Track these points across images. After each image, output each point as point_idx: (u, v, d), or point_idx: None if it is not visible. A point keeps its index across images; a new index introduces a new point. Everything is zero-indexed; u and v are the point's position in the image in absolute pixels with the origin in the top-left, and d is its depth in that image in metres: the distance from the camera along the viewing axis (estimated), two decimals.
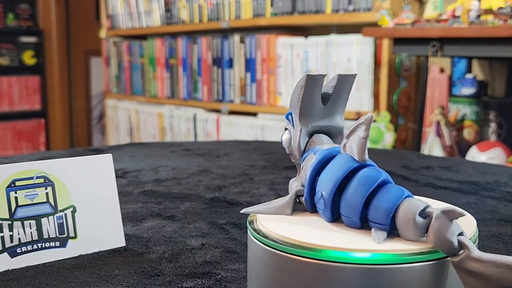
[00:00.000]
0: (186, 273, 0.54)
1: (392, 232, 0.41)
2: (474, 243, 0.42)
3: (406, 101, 2.25)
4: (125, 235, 0.63)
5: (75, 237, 0.58)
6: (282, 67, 2.54)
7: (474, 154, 1.84)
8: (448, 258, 0.39)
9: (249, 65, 2.70)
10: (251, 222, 0.46)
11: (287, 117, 0.50)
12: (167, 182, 0.94)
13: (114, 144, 2.63)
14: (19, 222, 0.55)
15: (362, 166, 0.43)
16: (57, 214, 0.57)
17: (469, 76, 2.04)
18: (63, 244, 0.58)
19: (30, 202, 0.56)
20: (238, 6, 2.71)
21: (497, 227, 0.70)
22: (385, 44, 2.16)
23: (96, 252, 0.59)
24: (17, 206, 0.56)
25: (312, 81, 0.47)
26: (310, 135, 0.49)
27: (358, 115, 2.09)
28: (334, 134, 0.49)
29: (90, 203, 0.59)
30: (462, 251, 0.37)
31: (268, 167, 1.08)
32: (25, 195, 0.56)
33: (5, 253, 0.55)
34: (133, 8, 3.43)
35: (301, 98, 0.48)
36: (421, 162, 1.16)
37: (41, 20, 4.36)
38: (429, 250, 0.39)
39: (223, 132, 2.83)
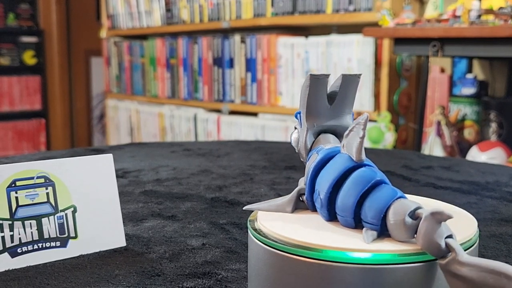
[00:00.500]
0: (187, 273, 0.54)
1: (384, 232, 0.41)
2: (475, 243, 0.42)
3: (406, 101, 2.25)
4: (126, 235, 0.63)
5: (75, 237, 0.58)
6: (283, 67, 2.54)
7: (475, 154, 1.84)
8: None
9: (250, 65, 2.70)
10: (252, 222, 0.46)
11: (296, 116, 0.50)
12: (167, 182, 0.94)
13: (115, 144, 2.63)
14: (20, 222, 0.56)
15: (358, 166, 0.43)
16: (58, 214, 0.57)
17: (469, 76, 2.04)
18: (63, 244, 0.58)
19: (30, 202, 0.56)
20: (238, 6, 2.71)
21: (498, 227, 0.70)
22: (386, 44, 2.16)
23: (96, 252, 0.59)
24: (18, 206, 0.56)
25: (315, 81, 0.47)
26: (317, 134, 0.49)
27: (359, 115, 2.09)
28: (341, 134, 0.49)
29: (90, 203, 0.59)
30: (450, 253, 0.37)
31: (269, 167, 1.08)
32: (26, 195, 0.56)
33: (6, 253, 0.55)
34: (133, 8, 3.43)
35: (306, 97, 0.48)
36: (422, 162, 1.16)
37: (41, 20, 4.36)
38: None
39: (223, 132, 2.83)
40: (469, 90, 2.02)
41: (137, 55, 3.43)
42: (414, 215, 0.39)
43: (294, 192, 0.48)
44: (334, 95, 0.49)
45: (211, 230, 0.68)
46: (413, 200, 0.49)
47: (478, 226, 0.45)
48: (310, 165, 0.47)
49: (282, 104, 2.57)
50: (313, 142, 0.49)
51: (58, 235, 0.57)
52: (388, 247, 0.39)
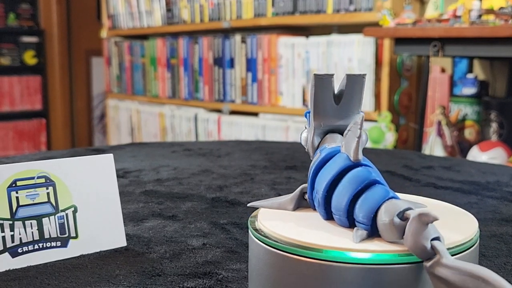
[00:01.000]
0: (187, 273, 0.54)
1: (375, 232, 0.41)
2: (475, 243, 0.42)
3: (407, 101, 2.25)
4: (126, 235, 0.63)
5: (76, 237, 0.58)
6: (283, 67, 2.54)
7: (475, 154, 1.84)
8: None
9: (250, 65, 2.70)
10: (252, 222, 0.46)
11: (305, 116, 0.50)
12: (168, 182, 0.94)
13: (115, 144, 2.63)
14: (20, 222, 0.56)
15: (354, 165, 0.43)
16: (58, 214, 0.57)
17: (470, 76, 2.04)
18: (64, 244, 0.58)
19: (31, 202, 0.56)
20: (239, 6, 2.71)
21: (498, 227, 0.70)
22: (386, 44, 2.16)
23: (97, 252, 0.59)
24: (18, 206, 0.56)
25: (320, 80, 0.48)
26: (325, 134, 0.49)
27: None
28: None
29: (91, 203, 0.59)
30: (436, 256, 0.37)
31: (269, 167, 1.08)
32: (26, 195, 0.56)
33: (6, 253, 0.55)
34: (134, 8, 3.43)
35: (313, 97, 0.48)
36: (422, 162, 1.16)
37: (42, 20, 4.36)
38: None
39: (224, 132, 2.83)
40: (470, 90, 2.02)
41: (138, 55, 3.43)
42: (403, 216, 0.39)
43: (297, 191, 0.49)
44: (341, 95, 0.49)
45: (212, 230, 0.68)
46: (412, 200, 0.49)
47: (479, 226, 0.45)
48: (312, 164, 0.47)
49: (282, 104, 2.57)
50: (320, 142, 0.49)
51: (59, 235, 0.57)
52: (388, 247, 0.39)
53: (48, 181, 0.57)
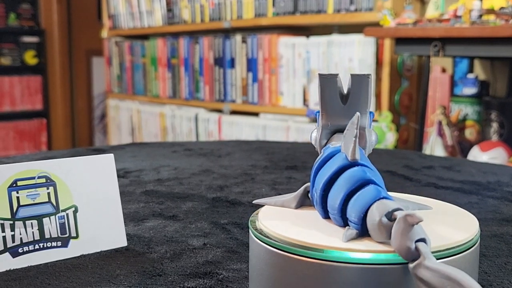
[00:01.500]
0: (188, 273, 0.54)
1: (365, 232, 0.41)
2: (476, 243, 0.42)
3: (408, 101, 2.25)
4: (127, 235, 0.63)
5: (76, 237, 0.58)
6: (284, 67, 2.54)
7: (476, 154, 1.84)
8: (449, 259, 0.39)
9: (251, 65, 2.70)
10: (253, 222, 0.46)
11: (316, 115, 0.51)
12: (168, 182, 0.94)
13: (116, 144, 2.63)
14: (21, 222, 0.56)
15: (351, 165, 0.43)
16: (59, 214, 0.58)
17: (470, 76, 2.04)
18: (64, 244, 0.58)
19: (31, 202, 0.56)
20: (240, 6, 2.71)
21: (499, 227, 0.70)
22: (387, 44, 2.16)
23: (97, 252, 0.59)
24: (19, 206, 0.56)
25: (324, 80, 0.48)
26: (332, 133, 0.49)
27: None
28: None
29: (91, 203, 0.60)
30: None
31: (270, 167, 1.08)
32: (27, 195, 0.56)
33: (7, 253, 0.55)
34: (135, 8, 3.43)
35: (320, 97, 0.48)
36: (423, 162, 1.16)
37: (42, 20, 4.36)
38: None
39: (224, 132, 2.83)
40: (470, 90, 2.01)
41: (138, 55, 3.43)
42: (392, 216, 0.39)
43: (301, 189, 0.49)
44: (348, 95, 0.49)
45: (212, 230, 0.68)
46: (413, 200, 0.49)
47: (479, 226, 0.45)
48: (314, 163, 0.47)
49: (283, 104, 2.57)
50: (327, 141, 0.49)
51: (59, 235, 0.57)
52: (388, 248, 0.39)
53: (48, 181, 0.57)
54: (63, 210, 0.58)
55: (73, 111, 4.59)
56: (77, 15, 4.51)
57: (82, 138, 4.64)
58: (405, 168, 1.08)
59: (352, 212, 0.41)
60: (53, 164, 0.58)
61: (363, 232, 0.41)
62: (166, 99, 3.23)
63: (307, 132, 2.43)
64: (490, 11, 1.67)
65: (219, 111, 2.91)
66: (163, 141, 1.83)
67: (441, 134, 1.99)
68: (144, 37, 3.44)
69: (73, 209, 0.58)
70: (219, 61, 2.87)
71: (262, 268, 0.43)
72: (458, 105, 2.04)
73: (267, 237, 0.43)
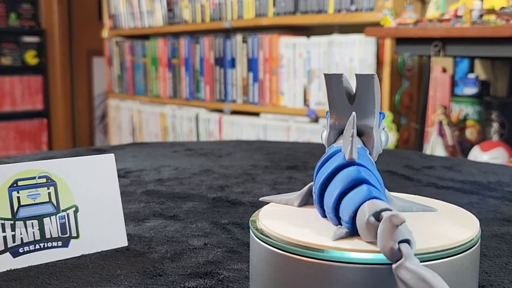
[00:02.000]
0: (189, 273, 0.54)
1: (356, 231, 0.41)
2: (476, 243, 0.42)
3: (408, 101, 2.25)
4: (128, 235, 0.63)
5: (77, 237, 0.58)
6: (285, 67, 2.54)
7: (477, 154, 1.84)
8: (450, 259, 0.39)
9: (252, 65, 2.70)
10: (254, 222, 0.46)
11: (326, 115, 0.51)
12: (169, 182, 0.94)
13: (116, 144, 2.63)
14: (22, 222, 0.56)
15: (348, 164, 0.43)
16: (60, 214, 0.58)
17: (471, 76, 2.04)
18: (65, 244, 0.58)
19: (32, 202, 0.56)
20: (240, 6, 2.71)
21: (500, 227, 0.70)
22: (388, 44, 2.16)
23: (98, 252, 0.59)
24: (20, 206, 0.56)
25: (329, 80, 0.48)
26: (340, 133, 0.49)
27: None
28: (363, 133, 0.49)
29: (92, 203, 0.60)
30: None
31: (271, 167, 1.08)
32: (28, 195, 0.56)
33: (8, 253, 0.55)
34: (135, 8, 3.43)
35: (327, 97, 0.49)
36: (424, 162, 1.16)
37: (43, 20, 4.36)
38: (430, 250, 0.39)
39: (225, 132, 2.83)
40: (471, 90, 2.01)
41: (139, 55, 3.44)
42: (379, 216, 0.39)
43: (305, 187, 0.49)
44: (354, 94, 0.49)
45: (213, 230, 0.68)
46: (413, 200, 0.49)
47: (480, 226, 0.45)
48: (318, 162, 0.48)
49: (283, 104, 2.57)
50: (335, 140, 0.49)
51: (60, 235, 0.57)
52: None
53: (49, 181, 0.57)
54: (64, 210, 0.58)
55: (74, 111, 4.59)
56: (77, 15, 4.51)
57: (83, 138, 4.64)
58: (405, 168, 1.08)
59: (344, 211, 0.42)
60: (54, 164, 0.58)
61: (354, 232, 0.41)
62: (167, 99, 3.23)
63: (307, 132, 2.43)
64: (491, 11, 1.67)
65: (220, 111, 2.91)
66: (163, 141, 1.83)
67: (441, 134, 1.98)
68: (145, 37, 3.44)
69: (74, 209, 0.58)
70: (219, 61, 2.87)
71: (262, 268, 0.43)
72: (459, 105, 2.04)
73: (268, 237, 0.43)
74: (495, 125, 1.92)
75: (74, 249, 0.58)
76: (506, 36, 1.59)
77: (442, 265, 0.39)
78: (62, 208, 0.58)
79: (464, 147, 1.99)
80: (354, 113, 0.43)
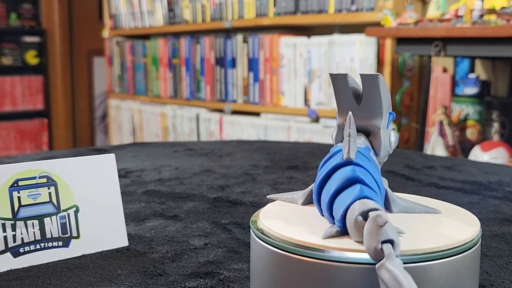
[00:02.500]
0: (189, 273, 0.54)
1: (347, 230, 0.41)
2: (477, 243, 0.42)
3: (409, 101, 2.24)
4: (128, 235, 0.63)
5: (78, 237, 0.58)
6: (285, 67, 2.54)
7: (477, 154, 1.84)
8: (451, 258, 0.39)
9: (252, 64, 2.70)
10: (254, 222, 0.46)
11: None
12: (170, 182, 0.94)
13: (117, 144, 2.63)
14: (22, 222, 0.56)
15: (344, 164, 0.43)
16: (60, 214, 0.58)
17: (472, 75, 2.04)
18: (66, 244, 0.58)
19: (33, 202, 0.56)
20: (241, 6, 2.71)
21: (500, 227, 0.70)
22: (388, 44, 2.16)
23: (99, 252, 0.59)
24: (20, 206, 0.56)
25: (335, 80, 0.48)
26: None
27: None
28: (370, 133, 0.49)
29: (93, 203, 0.60)
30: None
31: (271, 167, 1.08)
32: (28, 195, 0.56)
33: (8, 253, 0.55)
34: (136, 8, 3.43)
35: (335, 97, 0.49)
36: (424, 162, 1.16)
37: (44, 20, 4.36)
38: (431, 250, 0.39)
39: (226, 132, 2.83)
40: (472, 90, 2.01)
41: (140, 55, 3.44)
42: (367, 216, 0.39)
43: (311, 186, 0.49)
44: (360, 94, 0.49)
45: (214, 230, 0.68)
46: (413, 200, 0.49)
47: (481, 226, 0.45)
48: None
49: (284, 104, 2.57)
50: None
51: (61, 235, 0.57)
52: None
53: (49, 181, 0.57)
54: (64, 210, 0.58)
55: (74, 111, 4.59)
56: (78, 15, 4.51)
57: (83, 138, 4.64)
58: (406, 168, 1.08)
59: (336, 210, 0.42)
60: (54, 164, 0.58)
61: (345, 231, 0.41)
62: (167, 99, 3.23)
63: (308, 132, 2.43)
64: (491, 11, 1.67)
65: (220, 111, 2.91)
66: (164, 141, 1.83)
67: (442, 134, 1.98)
68: (145, 37, 3.44)
69: (74, 209, 0.58)
70: (220, 61, 2.87)
71: (263, 268, 0.43)
72: (459, 105, 2.04)
73: (268, 237, 0.42)
74: (496, 125, 1.92)
75: (75, 249, 0.58)
76: (507, 36, 1.59)
77: (442, 265, 0.39)
78: (62, 208, 0.58)
79: (465, 147, 1.99)
80: (350, 113, 0.43)
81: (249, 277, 0.52)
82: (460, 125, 2.02)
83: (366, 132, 0.49)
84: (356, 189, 0.41)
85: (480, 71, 2.11)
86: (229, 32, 2.86)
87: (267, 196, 0.52)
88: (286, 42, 2.53)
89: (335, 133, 0.50)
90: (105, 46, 3.78)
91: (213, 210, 0.77)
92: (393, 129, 0.50)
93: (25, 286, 0.51)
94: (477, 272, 0.44)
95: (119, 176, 0.85)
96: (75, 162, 0.59)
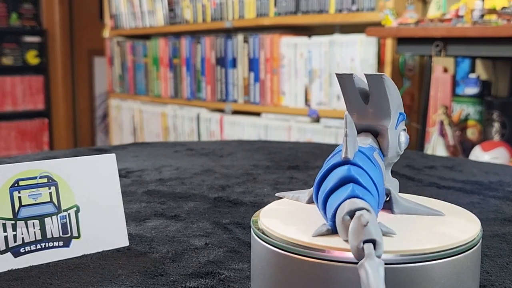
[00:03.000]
0: (190, 272, 0.54)
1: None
2: (478, 243, 0.42)
3: (409, 101, 2.24)
4: (129, 234, 0.63)
5: (78, 237, 0.58)
6: (286, 67, 2.54)
7: (478, 154, 1.84)
8: (451, 258, 0.39)
9: (253, 64, 2.70)
10: (255, 222, 0.46)
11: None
12: (170, 182, 0.94)
13: (118, 143, 2.63)
14: (23, 222, 0.56)
15: (342, 163, 0.43)
16: (61, 214, 0.58)
17: (472, 75, 2.04)
18: (66, 244, 0.58)
19: (33, 201, 0.56)
20: (241, 6, 2.71)
21: (501, 227, 0.70)
22: (389, 43, 2.16)
23: (99, 252, 0.59)
24: (21, 205, 0.56)
25: (341, 79, 0.48)
26: (357, 132, 0.49)
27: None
28: (378, 133, 0.49)
29: (93, 203, 0.60)
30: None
31: (272, 167, 1.08)
32: (29, 195, 0.56)
33: (9, 253, 0.55)
34: (136, 8, 3.43)
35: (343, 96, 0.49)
36: (425, 161, 1.16)
37: (44, 20, 4.36)
38: (431, 250, 0.39)
39: (226, 131, 2.83)
40: (472, 90, 2.01)
41: (140, 55, 3.44)
42: (353, 215, 0.39)
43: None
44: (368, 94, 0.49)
45: (214, 230, 0.68)
46: (414, 200, 0.49)
47: (481, 226, 0.45)
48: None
49: (285, 104, 2.57)
50: None
51: (61, 235, 0.57)
52: (389, 248, 0.39)
53: (50, 181, 0.57)
54: (65, 210, 0.58)
55: (75, 111, 4.59)
56: (79, 15, 4.51)
57: (84, 138, 4.64)
58: (407, 168, 1.08)
59: (329, 209, 0.42)
60: (55, 164, 0.58)
61: (336, 229, 0.41)
62: (168, 99, 3.23)
63: (309, 132, 2.43)
64: (492, 11, 1.66)
65: (221, 111, 2.91)
66: (165, 141, 1.83)
67: (443, 134, 1.98)
68: (146, 37, 3.44)
69: (75, 209, 0.58)
70: (221, 61, 2.87)
71: (264, 268, 0.43)
72: (460, 105, 2.04)
73: (269, 237, 0.42)
74: (496, 125, 1.92)
75: (75, 249, 0.58)
76: (507, 36, 1.59)
77: (443, 265, 0.39)
78: (63, 208, 0.58)
79: (465, 147, 1.99)
80: (346, 112, 0.43)
81: (249, 277, 0.52)
82: (461, 125, 2.02)
83: (374, 132, 0.49)
84: (348, 188, 0.41)
85: (481, 71, 2.11)
86: (229, 32, 2.86)
87: (276, 194, 0.53)
88: (287, 42, 2.53)
89: None
90: (106, 46, 3.78)
91: (214, 210, 0.77)
92: (404, 129, 0.50)
93: (25, 286, 0.51)
94: (477, 272, 0.44)
95: (120, 176, 0.85)
96: (76, 162, 0.59)
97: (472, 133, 2.01)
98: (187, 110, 3.10)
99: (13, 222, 0.55)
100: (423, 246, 0.39)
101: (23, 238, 0.55)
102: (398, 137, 0.49)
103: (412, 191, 0.85)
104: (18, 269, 0.55)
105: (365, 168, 0.43)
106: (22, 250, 0.55)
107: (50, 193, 0.57)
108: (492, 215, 0.76)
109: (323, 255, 0.39)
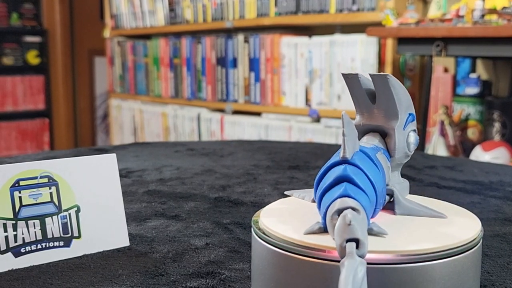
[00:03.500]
0: (190, 272, 0.54)
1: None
2: (478, 243, 0.42)
3: None
4: (129, 234, 0.63)
5: (79, 236, 0.58)
6: (286, 67, 2.54)
7: (478, 154, 1.84)
8: (452, 258, 0.39)
9: (253, 64, 2.70)
10: (256, 222, 0.46)
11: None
12: (171, 182, 0.94)
13: (118, 143, 2.63)
14: (23, 222, 0.56)
15: (339, 163, 0.43)
16: (61, 214, 0.58)
17: (473, 75, 2.04)
18: (67, 243, 0.58)
19: (34, 201, 0.56)
20: (242, 6, 2.71)
21: (501, 227, 0.70)
22: (389, 43, 2.16)
23: (100, 252, 0.59)
24: (21, 205, 0.56)
25: (347, 79, 0.48)
26: (365, 132, 0.49)
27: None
28: (385, 133, 0.49)
29: (94, 202, 0.60)
30: None
31: (272, 167, 1.08)
32: (29, 195, 0.56)
33: (9, 253, 0.55)
34: (137, 8, 3.43)
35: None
36: (425, 161, 1.16)
37: (45, 20, 4.36)
38: (432, 250, 0.39)
39: (227, 131, 2.83)
40: (473, 90, 2.01)
41: (141, 55, 3.44)
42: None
43: None
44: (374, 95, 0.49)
45: (215, 230, 0.68)
46: (414, 200, 0.49)
47: (482, 225, 0.45)
48: None
49: (285, 104, 2.57)
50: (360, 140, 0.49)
51: (62, 234, 0.57)
52: (390, 248, 0.39)
53: (51, 181, 0.57)
54: (66, 210, 0.58)
55: (76, 111, 4.59)
56: (79, 15, 4.51)
57: (85, 138, 4.64)
58: (407, 168, 1.08)
59: (322, 207, 0.42)
60: (56, 164, 0.58)
61: (327, 228, 0.41)
62: (169, 99, 3.23)
63: (309, 132, 2.43)
64: (492, 11, 1.66)
65: (221, 111, 2.91)
66: (165, 141, 1.83)
67: (443, 134, 1.98)
68: (147, 37, 3.44)
69: (76, 209, 0.58)
70: (221, 61, 2.87)
71: (264, 268, 0.43)
72: (461, 105, 2.04)
73: (270, 237, 0.43)
74: (497, 125, 1.92)
75: (76, 249, 0.58)
76: (508, 36, 1.59)
77: (444, 265, 0.39)
78: (63, 208, 0.58)
79: (466, 147, 1.99)
80: (343, 112, 0.43)
81: (250, 277, 0.52)
82: (461, 125, 2.02)
83: (383, 132, 0.49)
84: (341, 187, 0.41)
85: (481, 71, 2.11)
86: (230, 32, 2.86)
87: (285, 192, 0.53)
88: (287, 42, 2.53)
89: None
90: (106, 46, 3.78)
91: (214, 210, 0.78)
92: (414, 130, 0.49)
93: (26, 286, 0.51)
94: (478, 272, 0.44)
95: (120, 176, 0.85)
96: (76, 162, 0.59)
97: (472, 133, 2.01)
98: (187, 110, 3.10)
99: (14, 222, 0.55)
100: (424, 246, 0.39)
101: (23, 238, 0.55)
102: (406, 137, 0.48)
103: (412, 191, 0.85)
104: (18, 269, 0.55)
105: (363, 167, 0.43)
106: (22, 250, 0.55)
107: (51, 193, 0.57)
108: (492, 215, 0.76)
109: (323, 255, 0.39)
